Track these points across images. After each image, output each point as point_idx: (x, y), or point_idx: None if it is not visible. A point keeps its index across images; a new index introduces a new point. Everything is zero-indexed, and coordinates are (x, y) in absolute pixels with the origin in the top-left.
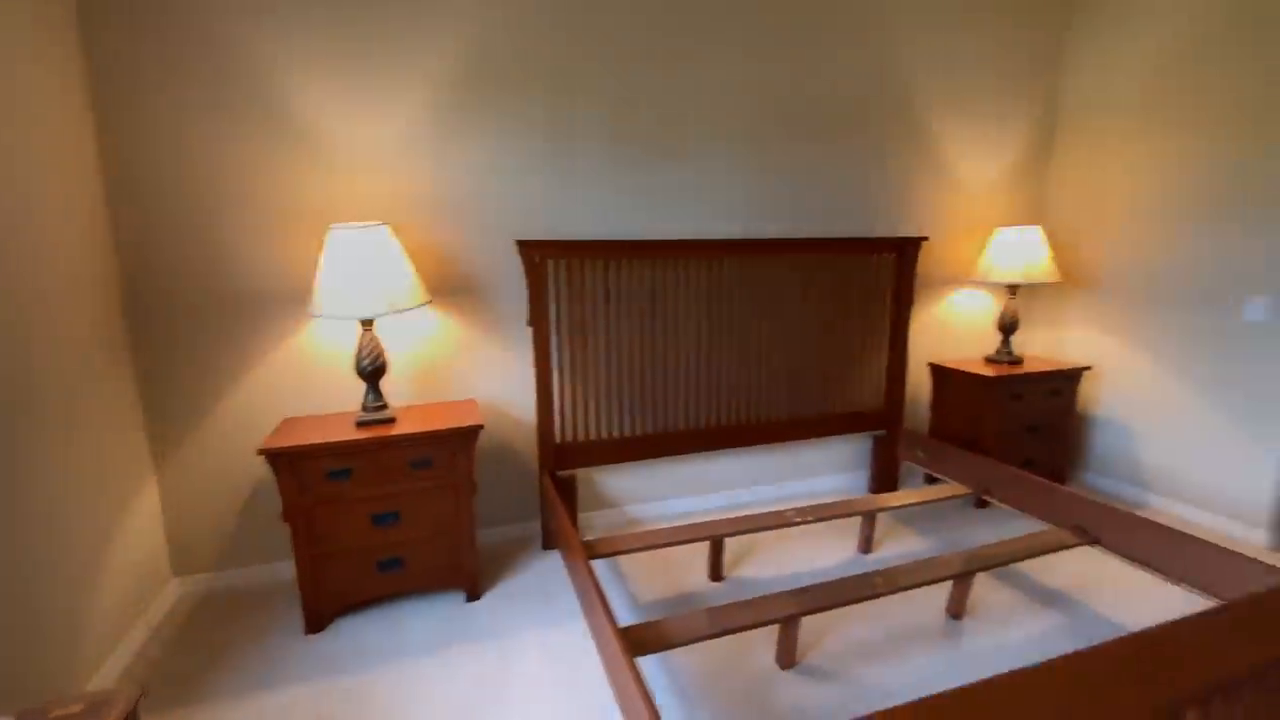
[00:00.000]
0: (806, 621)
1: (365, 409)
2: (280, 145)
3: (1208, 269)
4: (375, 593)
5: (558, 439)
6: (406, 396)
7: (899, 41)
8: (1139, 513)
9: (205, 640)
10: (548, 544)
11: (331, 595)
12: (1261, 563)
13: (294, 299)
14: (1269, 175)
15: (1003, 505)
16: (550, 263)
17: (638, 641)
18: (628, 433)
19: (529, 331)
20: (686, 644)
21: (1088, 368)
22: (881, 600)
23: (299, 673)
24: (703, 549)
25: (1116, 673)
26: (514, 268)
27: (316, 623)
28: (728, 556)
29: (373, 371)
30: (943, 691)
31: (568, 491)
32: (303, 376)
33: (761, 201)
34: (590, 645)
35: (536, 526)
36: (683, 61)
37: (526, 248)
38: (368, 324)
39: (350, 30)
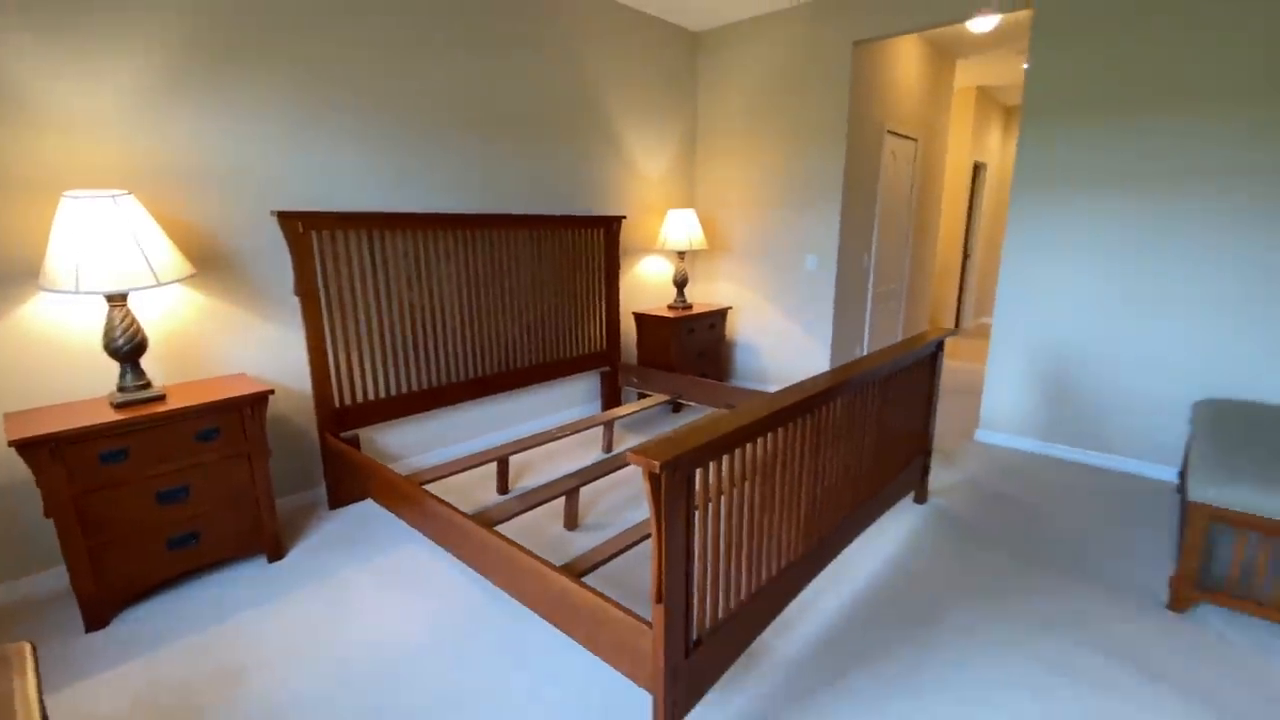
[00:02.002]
0: (581, 496)
1: (123, 390)
2: None
3: (787, 237)
4: (168, 573)
5: (336, 403)
6: (162, 377)
7: (597, 66)
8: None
9: None
10: (335, 503)
11: (115, 586)
12: None
13: None
14: (804, 180)
15: (688, 403)
16: (314, 234)
17: (481, 523)
18: (404, 389)
19: (297, 301)
20: (509, 519)
21: (730, 308)
22: (622, 472)
23: (91, 666)
24: (488, 476)
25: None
26: (276, 239)
27: (99, 617)
28: (511, 474)
29: (130, 350)
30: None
31: None
32: (12, 367)
33: (505, 182)
34: (421, 560)
35: (320, 493)
36: (429, 57)
37: (288, 219)
38: (118, 300)
39: None
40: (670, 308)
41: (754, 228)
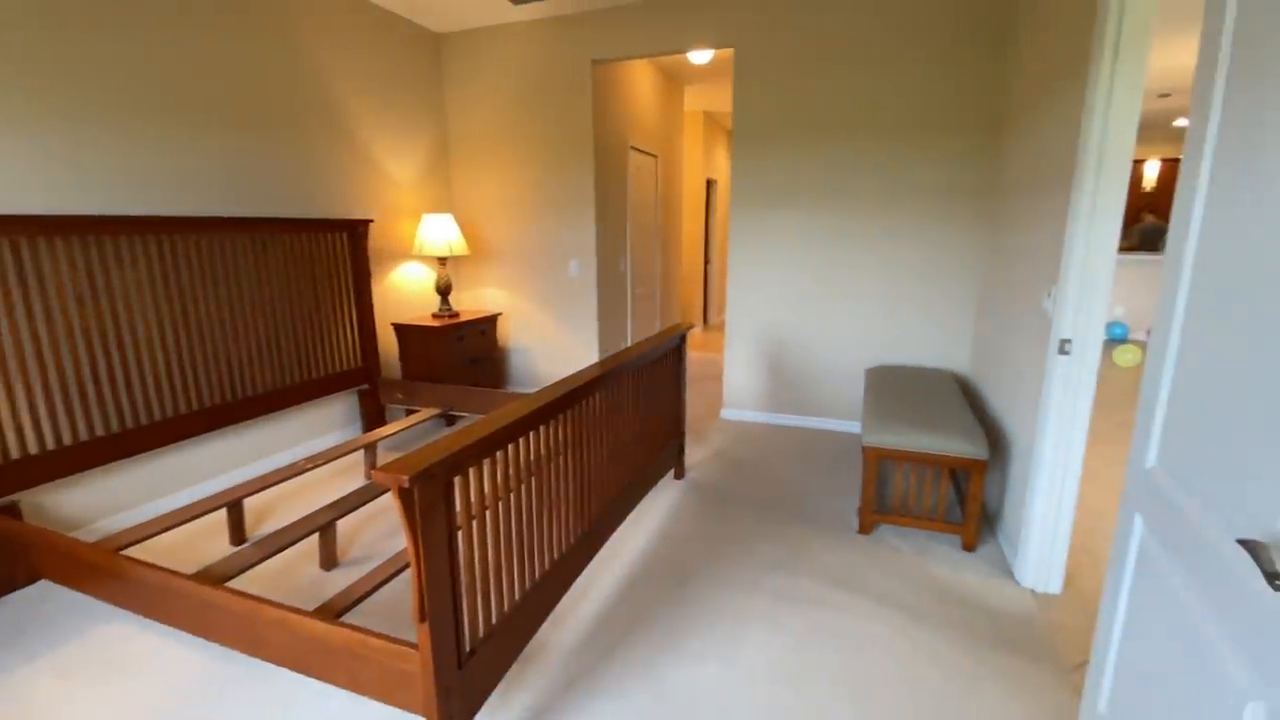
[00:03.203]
0: (339, 530)
1: None
2: None
3: (549, 243)
4: None
5: None
6: None
7: (329, 56)
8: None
9: None
10: None
11: None
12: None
13: None
14: (560, 189)
15: (462, 414)
16: None
17: (205, 581)
18: (84, 436)
19: None
20: (245, 571)
21: (500, 314)
22: (387, 496)
23: None
24: (218, 526)
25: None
26: None
27: None
28: (249, 520)
29: None
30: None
31: None
32: None
33: (217, 181)
34: (127, 640)
35: None
36: (101, 26)
37: None
38: None
39: None
40: (435, 316)
41: (517, 234)
